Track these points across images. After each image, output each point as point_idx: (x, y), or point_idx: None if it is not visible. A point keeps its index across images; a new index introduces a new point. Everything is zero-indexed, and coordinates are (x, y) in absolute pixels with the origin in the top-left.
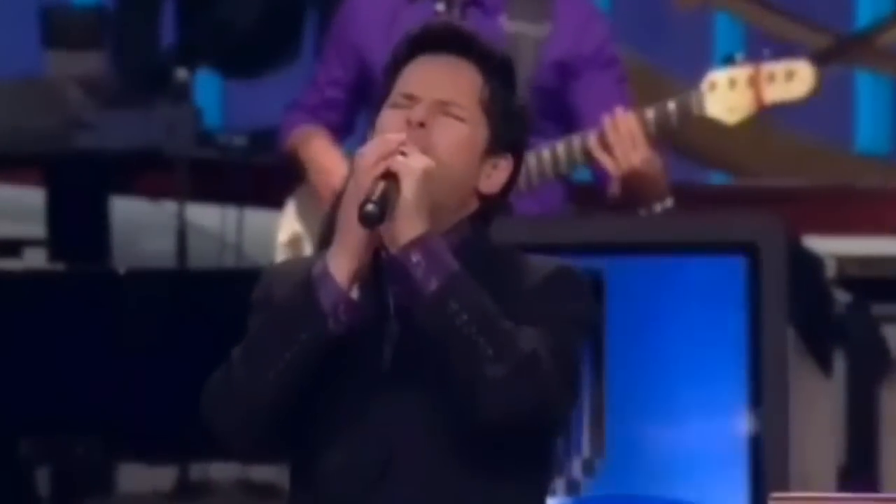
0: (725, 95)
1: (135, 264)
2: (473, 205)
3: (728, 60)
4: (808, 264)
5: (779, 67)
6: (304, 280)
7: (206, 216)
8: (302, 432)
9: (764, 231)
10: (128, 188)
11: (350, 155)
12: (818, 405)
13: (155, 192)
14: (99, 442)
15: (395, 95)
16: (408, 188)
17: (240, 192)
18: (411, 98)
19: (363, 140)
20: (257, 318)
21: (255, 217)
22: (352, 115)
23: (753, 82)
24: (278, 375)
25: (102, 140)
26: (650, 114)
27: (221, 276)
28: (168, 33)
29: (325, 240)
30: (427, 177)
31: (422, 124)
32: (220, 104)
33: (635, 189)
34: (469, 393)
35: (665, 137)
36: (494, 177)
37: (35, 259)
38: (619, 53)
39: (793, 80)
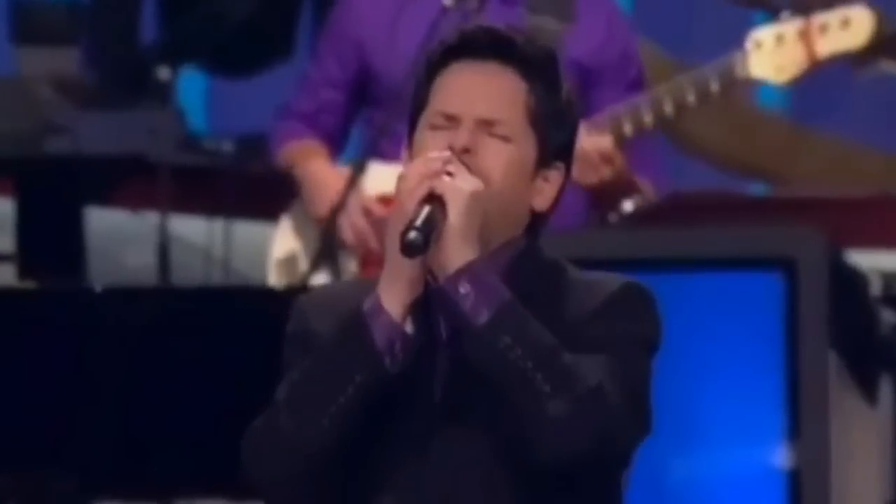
0: (773, 53)
1: (113, 281)
2: (526, 221)
3: (773, 16)
4: (850, 281)
5: (832, 17)
6: (353, 317)
7: (191, 228)
8: (350, 476)
9: (803, 244)
10: (105, 198)
11: (348, 165)
12: (862, 436)
13: (135, 202)
14: (74, 478)
15: (434, 115)
16: (455, 213)
17: (228, 202)
18: (452, 118)
19: (359, 143)
20: (296, 354)
21: (244, 229)
22: (349, 119)
23: (804, 36)
24: (332, 421)
25: (77, 145)
26: (670, 104)
27: (208, 293)
28: (149, 27)
29: (322, 254)
30: (475, 199)
31: (467, 150)
32: (204, 106)
33: (602, 196)
34: (529, 431)
35: (704, 105)
36: (547, 191)
37: (3, 276)
38: (643, 68)
39: (849, 28)
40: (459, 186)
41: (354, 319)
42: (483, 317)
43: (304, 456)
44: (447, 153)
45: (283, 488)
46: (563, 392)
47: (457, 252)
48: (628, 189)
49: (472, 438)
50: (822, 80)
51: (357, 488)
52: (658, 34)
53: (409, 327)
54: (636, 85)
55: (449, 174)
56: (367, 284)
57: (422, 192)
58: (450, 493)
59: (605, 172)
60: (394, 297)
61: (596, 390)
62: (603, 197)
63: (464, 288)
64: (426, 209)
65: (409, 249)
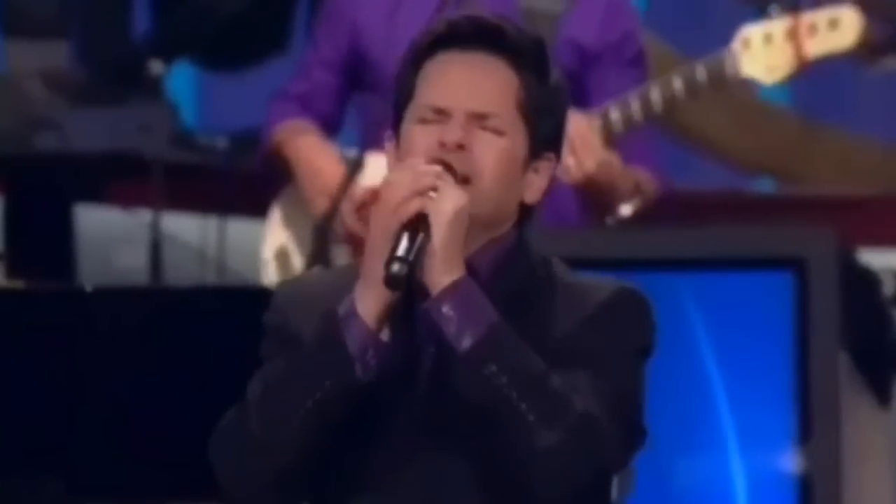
0: (762, 53)
1: (104, 281)
2: (516, 215)
3: (762, 15)
4: (862, 281)
5: (820, 17)
6: (328, 319)
7: (184, 226)
8: (328, 489)
9: (813, 244)
10: (96, 195)
11: (343, 153)
12: (874, 439)
13: (127, 200)
14: (64, 479)
15: (423, 108)
16: (439, 234)
17: (222, 199)
18: (442, 112)
19: (355, 130)
20: (271, 346)
21: (238, 227)
22: (343, 103)
23: (792, 36)
24: (301, 426)
25: (68, 142)
26: (659, 92)
27: (201, 293)
28: (141, 20)
29: (318, 253)
30: (459, 217)
31: (461, 146)
32: (194, 101)
33: (592, 196)
34: (517, 462)
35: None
36: (537, 183)
37: None
38: (645, 49)
39: (837, 28)
40: (444, 208)
41: (329, 324)
42: (466, 342)
43: (274, 461)
44: (437, 168)
45: (251, 490)
46: (550, 422)
47: (441, 272)
48: (625, 191)
49: (456, 444)
50: (826, 75)
51: (335, 492)
52: (672, 36)
53: (384, 334)
54: (635, 63)
55: (434, 189)
56: (349, 275)
57: (410, 210)
58: (432, 498)
59: (588, 164)
60: (369, 302)
61: (584, 417)
62: (595, 199)
63: (448, 310)
64: (406, 237)
65: (392, 282)
